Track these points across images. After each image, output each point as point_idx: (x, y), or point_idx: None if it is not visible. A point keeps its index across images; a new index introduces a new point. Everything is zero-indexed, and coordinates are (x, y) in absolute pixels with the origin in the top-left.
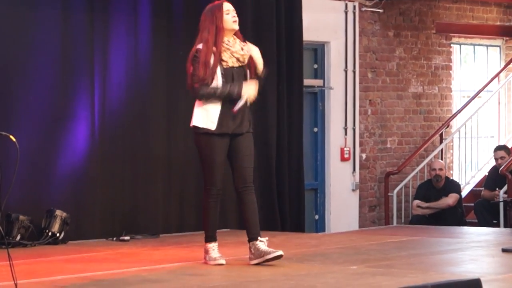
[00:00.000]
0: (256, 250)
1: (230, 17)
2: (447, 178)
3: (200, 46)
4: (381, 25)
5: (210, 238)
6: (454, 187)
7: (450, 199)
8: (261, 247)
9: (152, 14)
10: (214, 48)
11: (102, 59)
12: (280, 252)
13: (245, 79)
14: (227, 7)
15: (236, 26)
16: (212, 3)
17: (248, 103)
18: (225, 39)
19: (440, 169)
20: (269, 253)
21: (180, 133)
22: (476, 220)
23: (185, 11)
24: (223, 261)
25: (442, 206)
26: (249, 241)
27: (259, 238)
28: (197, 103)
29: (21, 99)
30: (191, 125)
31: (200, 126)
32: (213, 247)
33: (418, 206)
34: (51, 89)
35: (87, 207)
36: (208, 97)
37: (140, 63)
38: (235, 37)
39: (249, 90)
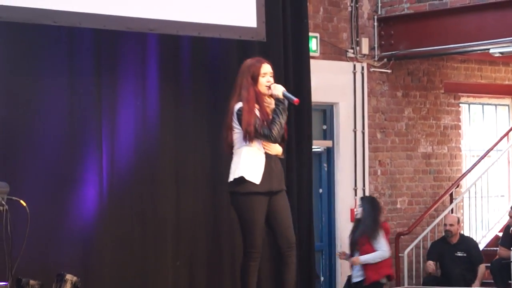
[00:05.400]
0: None
1: (264, 80)
2: (462, 235)
3: (241, 104)
4: (390, 85)
5: None
6: (473, 248)
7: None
8: None
9: (160, 79)
10: (257, 106)
11: (110, 123)
12: None
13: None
14: (265, 69)
15: (267, 91)
16: (253, 58)
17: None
18: (265, 98)
19: (451, 225)
20: None
21: (189, 196)
22: (492, 280)
23: (193, 75)
24: None
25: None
26: None
27: None
28: (236, 155)
29: (29, 163)
30: (230, 179)
31: (247, 178)
32: None
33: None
34: (58, 153)
35: (97, 271)
36: (279, 132)
37: (148, 127)
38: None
39: None
